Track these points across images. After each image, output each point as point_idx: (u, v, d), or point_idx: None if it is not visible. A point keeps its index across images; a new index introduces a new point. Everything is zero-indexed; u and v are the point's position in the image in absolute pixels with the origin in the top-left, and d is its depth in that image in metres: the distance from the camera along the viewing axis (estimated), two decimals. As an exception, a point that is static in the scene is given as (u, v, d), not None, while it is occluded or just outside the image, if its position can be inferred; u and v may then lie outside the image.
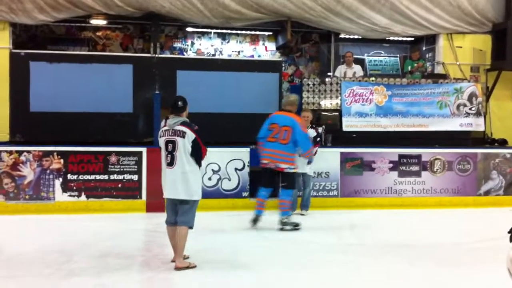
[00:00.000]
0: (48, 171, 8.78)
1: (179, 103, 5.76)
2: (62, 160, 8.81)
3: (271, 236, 7.22)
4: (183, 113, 5.78)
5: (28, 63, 9.89)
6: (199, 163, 5.73)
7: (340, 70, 11.29)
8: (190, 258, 5.91)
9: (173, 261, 5.77)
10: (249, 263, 6.01)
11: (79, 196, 8.84)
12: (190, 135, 5.59)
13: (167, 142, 5.62)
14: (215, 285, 5.21)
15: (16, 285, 5.10)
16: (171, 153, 5.57)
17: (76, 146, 9.01)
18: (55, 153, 8.81)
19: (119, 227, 7.80)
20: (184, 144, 5.56)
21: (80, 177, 8.85)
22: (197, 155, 5.66)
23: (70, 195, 8.82)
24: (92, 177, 8.88)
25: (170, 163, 5.59)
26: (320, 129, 9.50)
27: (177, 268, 5.60)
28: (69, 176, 8.82)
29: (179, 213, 5.70)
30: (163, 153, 5.68)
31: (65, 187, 8.81)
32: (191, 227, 5.74)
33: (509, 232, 2.41)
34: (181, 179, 5.58)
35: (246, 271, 5.74)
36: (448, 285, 5.37)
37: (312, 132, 8.82)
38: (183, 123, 5.66)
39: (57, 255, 6.10)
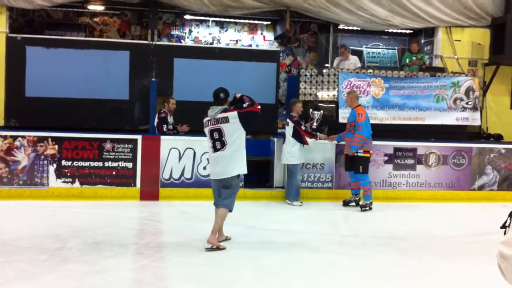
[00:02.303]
0: (42, 157, 8.75)
1: (221, 95, 6.15)
2: (56, 146, 8.77)
3: (264, 227, 7.22)
4: (224, 103, 6.14)
5: (24, 47, 9.85)
6: (254, 118, 6.13)
7: (337, 61, 11.27)
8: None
9: (218, 240, 6.11)
10: (243, 254, 6.02)
11: (73, 182, 8.82)
12: (232, 116, 6.00)
13: (211, 131, 6.06)
14: (207, 275, 5.21)
15: (10, 270, 5.09)
16: (220, 140, 6.02)
17: (71, 132, 8.97)
18: (49, 139, 8.78)
19: (113, 215, 7.80)
20: (231, 128, 5.99)
21: (75, 163, 8.82)
22: (250, 119, 6.08)
23: (64, 182, 8.80)
24: (87, 163, 8.85)
25: (221, 147, 6.03)
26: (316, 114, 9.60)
27: (208, 243, 5.99)
28: (63, 162, 8.79)
29: (222, 197, 6.14)
30: (209, 141, 6.12)
31: (59, 173, 8.79)
32: (230, 210, 6.17)
33: (501, 228, 2.40)
34: (230, 159, 6.02)
35: (241, 260, 5.75)
36: (441, 277, 5.39)
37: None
38: (223, 111, 6.05)
39: (51, 241, 6.10)
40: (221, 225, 6.20)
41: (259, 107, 6.18)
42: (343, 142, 9.19)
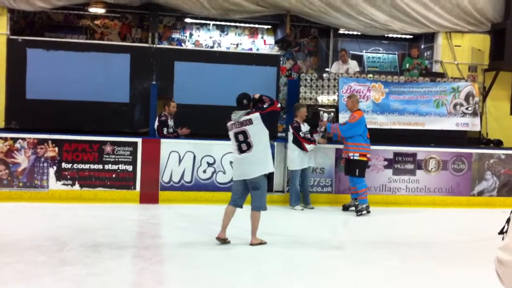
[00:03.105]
0: (42, 159, 8.75)
1: (244, 101, 6.39)
2: (56, 149, 8.77)
3: (264, 231, 7.22)
4: (248, 109, 6.38)
5: (25, 49, 9.86)
6: (274, 116, 6.62)
7: (336, 66, 11.29)
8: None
9: (218, 238, 6.35)
10: (243, 258, 6.02)
11: (73, 185, 8.82)
12: (255, 117, 6.24)
13: (236, 134, 6.30)
14: (207, 278, 5.21)
15: (9, 272, 5.08)
16: (245, 141, 6.26)
17: (71, 134, 8.97)
18: (49, 141, 8.78)
19: (113, 217, 7.79)
20: (255, 129, 6.24)
21: (75, 166, 8.82)
22: (270, 118, 6.38)
23: (64, 184, 8.80)
24: (87, 166, 8.85)
25: (248, 148, 6.25)
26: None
27: (251, 245, 6.35)
28: (63, 165, 8.79)
29: (252, 199, 6.38)
30: (234, 144, 6.34)
31: (59, 176, 8.79)
32: (264, 209, 6.43)
33: (499, 233, 2.41)
34: (256, 159, 6.25)
35: (241, 263, 5.75)
36: (441, 282, 5.39)
37: (307, 126, 9.16)
38: (246, 114, 6.29)
39: (50, 243, 6.09)
40: (257, 226, 6.41)
41: (279, 105, 6.57)
42: (339, 146, 9.24)
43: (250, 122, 6.25)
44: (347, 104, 9.27)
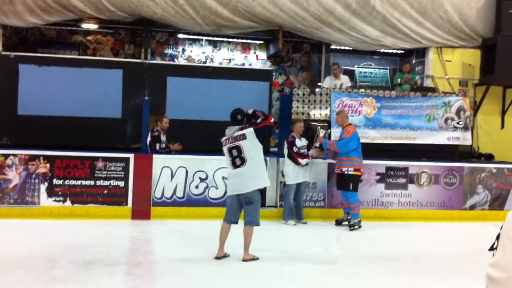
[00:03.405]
0: (34, 175, 8.70)
1: (238, 116, 6.45)
2: (48, 165, 8.73)
3: (256, 247, 7.20)
4: (242, 124, 6.45)
5: (17, 65, 9.86)
6: (267, 131, 6.64)
7: (329, 81, 11.33)
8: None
9: (217, 257, 6.39)
10: (235, 273, 5.99)
11: (64, 201, 8.77)
12: (249, 132, 6.29)
13: (230, 149, 6.35)
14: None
15: (-3, 291, 5.04)
16: (239, 156, 6.30)
17: (63, 150, 8.93)
18: (41, 157, 8.74)
19: (104, 234, 7.74)
20: (248, 144, 6.28)
21: (66, 182, 8.77)
22: (265, 133, 6.52)
23: (55, 200, 8.74)
24: (78, 182, 8.81)
25: (241, 163, 6.28)
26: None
27: (244, 260, 6.32)
28: (55, 181, 8.75)
29: (246, 214, 6.39)
30: (228, 159, 6.38)
31: (51, 192, 8.74)
32: (257, 225, 6.43)
33: (489, 250, 2.42)
34: (250, 173, 6.28)
35: (233, 279, 5.72)
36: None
37: (304, 141, 9.16)
38: (239, 129, 6.36)
39: (41, 261, 6.04)
40: (250, 241, 6.40)
41: (272, 120, 6.60)
42: (332, 161, 9.25)
43: (243, 137, 6.29)
44: (337, 121, 9.29)
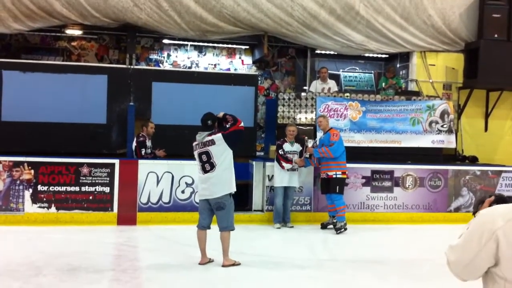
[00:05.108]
0: (18, 182, 8.63)
1: (209, 122, 6.43)
2: (32, 171, 8.67)
3: (242, 251, 7.20)
4: (212, 129, 6.42)
5: (1, 71, 9.78)
6: (239, 135, 6.44)
7: (315, 85, 11.37)
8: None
9: (200, 263, 6.36)
10: (220, 279, 5.98)
11: (49, 208, 8.70)
12: (218, 138, 6.28)
13: (200, 154, 6.36)
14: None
15: (-20, 299, 4.99)
16: (208, 161, 6.29)
17: (48, 157, 8.87)
18: (25, 164, 8.67)
19: (90, 240, 7.69)
20: (217, 150, 6.27)
21: (51, 188, 8.71)
22: (235, 138, 6.38)
23: (40, 207, 8.67)
24: (63, 188, 8.75)
25: (211, 169, 6.28)
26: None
27: (223, 266, 6.28)
28: (39, 187, 8.68)
29: (219, 220, 6.33)
30: (198, 164, 6.39)
31: (35, 199, 8.66)
32: (232, 229, 6.37)
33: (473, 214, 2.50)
34: (220, 178, 6.27)
35: (218, 285, 5.71)
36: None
37: (298, 146, 9.20)
38: (209, 134, 6.35)
39: (26, 268, 5.98)
40: (228, 246, 6.38)
41: (242, 124, 6.48)
42: (312, 166, 9.30)
43: (212, 142, 6.30)
44: (322, 123, 9.15)
